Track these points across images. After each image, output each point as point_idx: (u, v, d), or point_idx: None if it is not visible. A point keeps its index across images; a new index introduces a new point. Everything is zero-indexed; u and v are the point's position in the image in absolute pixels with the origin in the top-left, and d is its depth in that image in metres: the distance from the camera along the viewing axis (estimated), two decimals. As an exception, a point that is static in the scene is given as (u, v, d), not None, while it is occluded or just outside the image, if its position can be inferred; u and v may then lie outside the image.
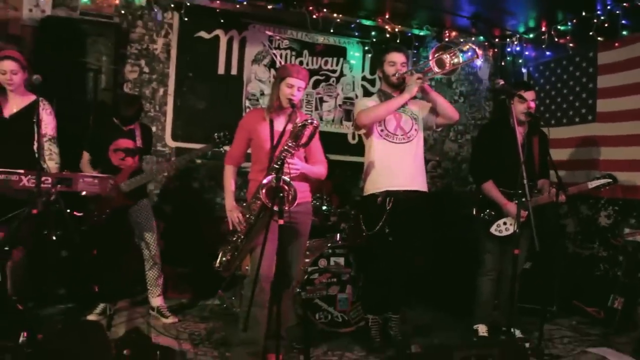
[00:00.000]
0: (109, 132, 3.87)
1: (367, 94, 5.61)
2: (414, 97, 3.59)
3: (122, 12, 4.83)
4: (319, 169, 3.25)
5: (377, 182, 3.56)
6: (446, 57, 3.40)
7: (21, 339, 2.67)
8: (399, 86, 3.57)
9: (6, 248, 3.36)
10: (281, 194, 2.72)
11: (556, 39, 5.21)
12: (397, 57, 3.56)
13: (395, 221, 3.48)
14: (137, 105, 3.99)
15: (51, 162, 3.60)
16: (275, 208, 2.70)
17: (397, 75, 3.54)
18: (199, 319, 4.08)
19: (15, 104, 3.54)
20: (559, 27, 5.19)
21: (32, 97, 3.58)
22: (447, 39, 5.69)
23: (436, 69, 3.44)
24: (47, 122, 3.59)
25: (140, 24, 4.93)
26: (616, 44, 4.78)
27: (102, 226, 3.81)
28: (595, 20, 4.76)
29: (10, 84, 3.47)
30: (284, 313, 3.09)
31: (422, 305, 4.67)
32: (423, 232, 3.58)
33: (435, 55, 3.43)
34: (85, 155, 3.91)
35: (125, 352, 2.73)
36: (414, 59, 5.61)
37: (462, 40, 5.63)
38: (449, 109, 3.60)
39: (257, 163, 3.16)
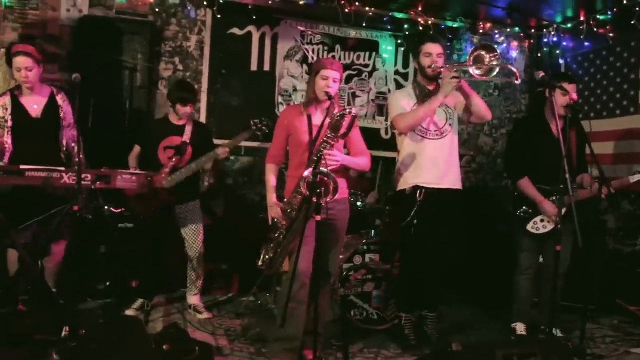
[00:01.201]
0: (161, 128, 3.88)
1: (399, 88, 5.53)
2: None
3: (157, 10, 4.88)
4: (362, 160, 3.19)
5: (409, 178, 3.50)
6: (485, 56, 3.24)
7: (64, 333, 2.72)
8: (435, 78, 3.48)
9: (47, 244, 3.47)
10: (319, 189, 2.67)
11: (595, 29, 5.06)
12: (433, 48, 3.47)
13: (426, 215, 3.42)
14: (190, 86, 4.00)
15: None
16: (315, 200, 2.64)
17: (433, 67, 3.45)
18: (234, 315, 4.09)
19: (36, 102, 3.48)
20: (598, 16, 5.03)
21: (48, 90, 3.56)
22: (481, 31, 5.60)
23: (475, 72, 3.26)
24: (67, 111, 3.57)
25: (174, 22, 4.98)
26: (660, 33, 4.62)
27: (147, 223, 3.85)
28: (637, 9, 4.58)
29: (26, 82, 3.38)
30: (322, 309, 3.08)
31: (457, 302, 4.60)
32: (454, 228, 3.52)
33: (475, 54, 3.27)
34: (136, 149, 3.93)
35: (165, 347, 2.76)
36: (448, 52, 5.51)
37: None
38: (482, 109, 3.48)
39: (295, 158, 3.13)
